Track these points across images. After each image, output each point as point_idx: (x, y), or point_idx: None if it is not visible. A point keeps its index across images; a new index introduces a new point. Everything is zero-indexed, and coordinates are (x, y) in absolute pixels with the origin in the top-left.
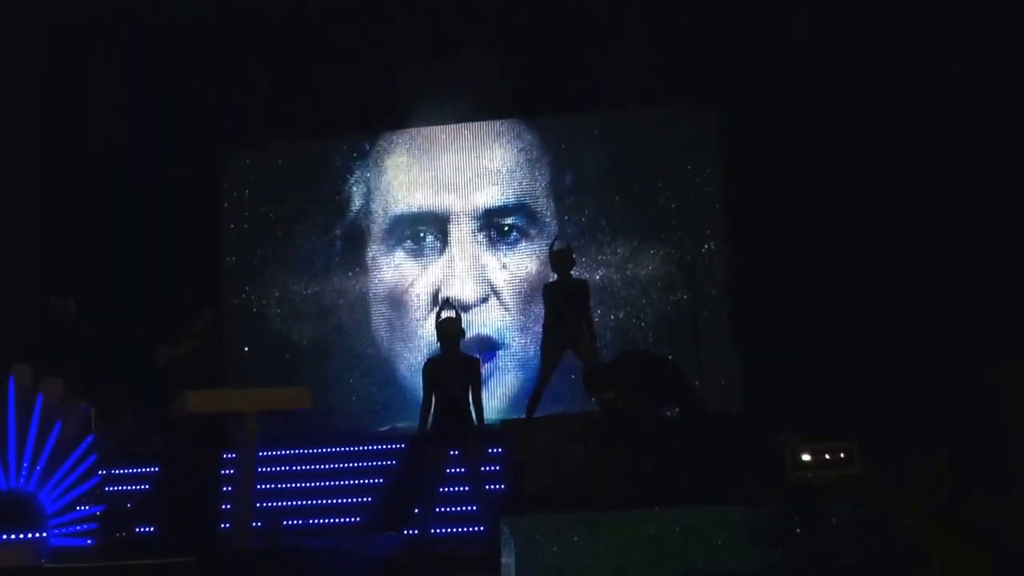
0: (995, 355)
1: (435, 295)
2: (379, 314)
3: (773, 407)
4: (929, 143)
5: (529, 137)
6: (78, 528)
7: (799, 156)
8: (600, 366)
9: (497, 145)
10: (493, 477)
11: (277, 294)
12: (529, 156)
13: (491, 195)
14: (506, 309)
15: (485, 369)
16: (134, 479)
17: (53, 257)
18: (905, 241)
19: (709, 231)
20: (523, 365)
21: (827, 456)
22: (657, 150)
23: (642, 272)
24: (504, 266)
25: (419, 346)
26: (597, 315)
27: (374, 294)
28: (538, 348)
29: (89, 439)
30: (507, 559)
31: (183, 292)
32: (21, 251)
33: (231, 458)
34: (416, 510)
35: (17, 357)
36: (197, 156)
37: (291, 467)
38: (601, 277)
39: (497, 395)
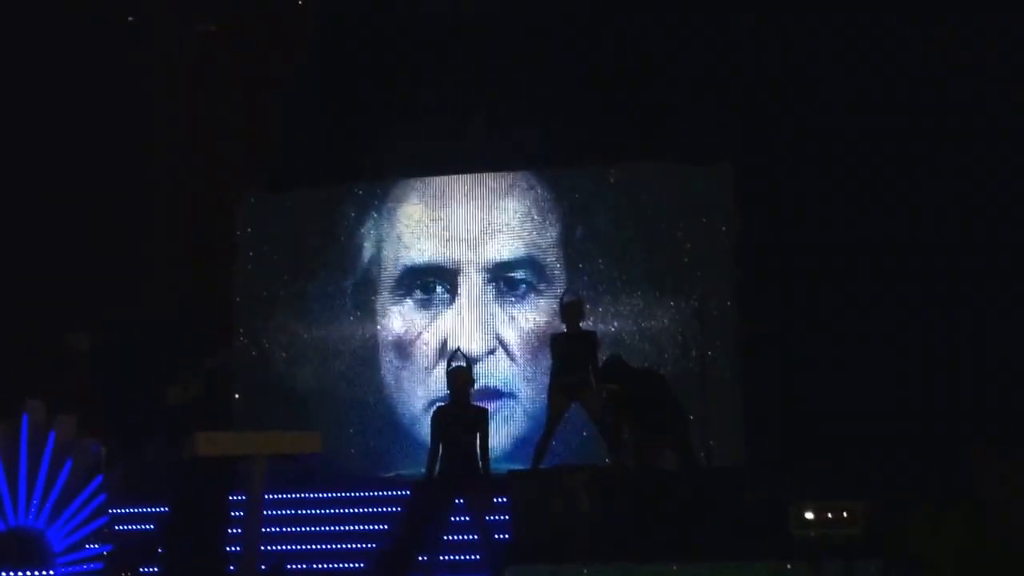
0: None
1: (443, 345)
2: (386, 362)
3: (779, 463)
4: (953, 204)
5: (540, 190)
6: (85, 567)
7: (813, 214)
8: (615, 359)
9: (509, 197)
10: (499, 526)
11: (282, 337)
12: (540, 208)
13: (501, 247)
14: (513, 360)
15: (492, 419)
16: (142, 518)
17: (68, 295)
18: (920, 303)
19: (720, 287)
20: (530, 416)
21: (830, 515)
22: (670, 204)
23: (652, 325)
24: (512, 318)
25: (425, 395)
26: None
27: (382, 342)
28: (544, 399)
29: (99, 478)
30: None
31: (195, 332)
32: (37, 288)
33: (238, 500)
34: (420, 558)
35: (31, 394)
36: (212, 196)
37: (296, 511)
38: (612, 329)
39: (504, 445)
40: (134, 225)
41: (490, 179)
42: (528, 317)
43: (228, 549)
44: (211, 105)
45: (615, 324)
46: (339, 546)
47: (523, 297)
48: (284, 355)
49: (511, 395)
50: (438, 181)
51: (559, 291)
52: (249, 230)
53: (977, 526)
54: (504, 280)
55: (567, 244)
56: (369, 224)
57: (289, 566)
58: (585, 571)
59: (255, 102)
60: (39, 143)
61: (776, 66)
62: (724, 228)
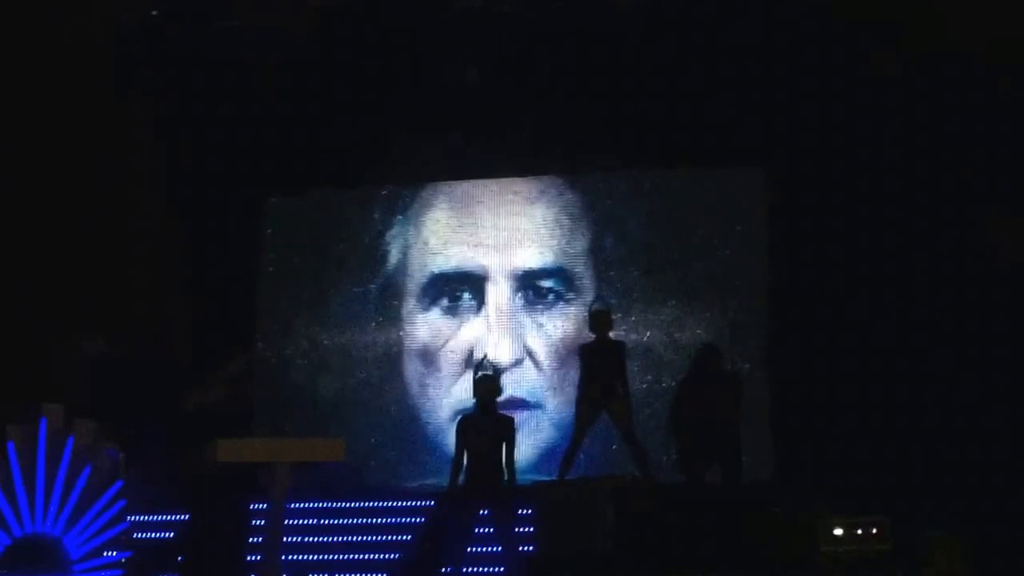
0: None
1: (469, 354)
2: (412, 370)
3: (808, 479)
4: (1005, 209)
5: (571, 196)
6: (103, 574)
7: (853, 222)
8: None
9: (538, 203)
10: (523, 539)
11: (304, 344)
12: (571, 215)
13: (530, 255)
14: (541, 370)
15: (519, 430)
16: (162, 526)
17: (87, 297)
18: (962, 316)
19: (754, 297)
20: (557, 426)
21: (859, 531)
22: (704, 211)
23: (684, 336)
24: (540, 327)
25: (450, 404)
26: (647, 380)
27: (407, 350)
28: (572, 408)
29: (118, 484)
30: None
31: (216, 335)
32: (56, 290)
33: (260, 509)
34: (444, 569)
35: (49, 399)
36: (237, 198)
37: (319, 520)
38: (644, 340)
39: (530, 456)
40: (155, 227)
41: (519, 184)
42: (556, 326)
43: (249, 558)
44: (236, 103)
45: (647, 334)
46: (361, 557)
47: (551, 306)
48: (305, 362)
49: (538, 405)
50: (466, 185)
51: (588, 300)
52: (271, 232)
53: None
54: (532, 288)
55: (597, 252)
56: (395, 229)
57: None
58: None
59: (280, 101)
60: (55, 145)
61: (812, 67)
62: (759, 236)
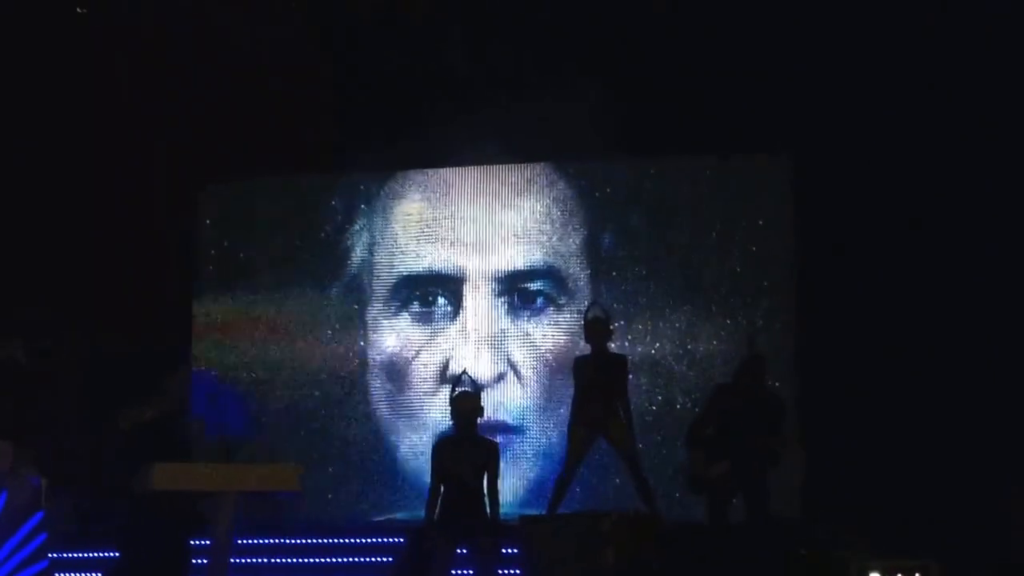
0: None
1: (444, 367)
2: (377, 386)
3: (839, 515)
4: None
5: (563, 185)
6: None
7: (889, 217)
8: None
9: (526, 194)
10: None
11: (250, 354)
12: (563, 207)
13: (515, 253)
14: (527, 387)
15: (503, 456)
16: (88, 565)
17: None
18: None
19: (777, 302)
20: (545, 453)
21: None
22: (720, 203)
23: (698, 348)
24: (527, 336)
25: (423, 425)
26: (656, 400)
27: (372, 362)
28: (564, 433)
29: (39, 515)
30: None
31: (152, 346)
32: None
33: (202, 545)
34: None
35: None
36: (172, 186)
37: (270, 559)
38: (652, 352)
39: (515, 487)
40: (76, 220)
41: (504, 172)
42: (545, 336)
43: None
44: (170, 77)
45: (656, 346)
46: None
47: (540, 312)
48: (252, 375)
49: (524, 428)
50: (442, 174)
51: (583, 306)
52: (211, 225)
53: None
54: (518, 292)
55: (594, 250)
56: (360, 222)
57: None
58: None
59: (214, 72)
60: None
61: (842, 41)
62: (785, 232)
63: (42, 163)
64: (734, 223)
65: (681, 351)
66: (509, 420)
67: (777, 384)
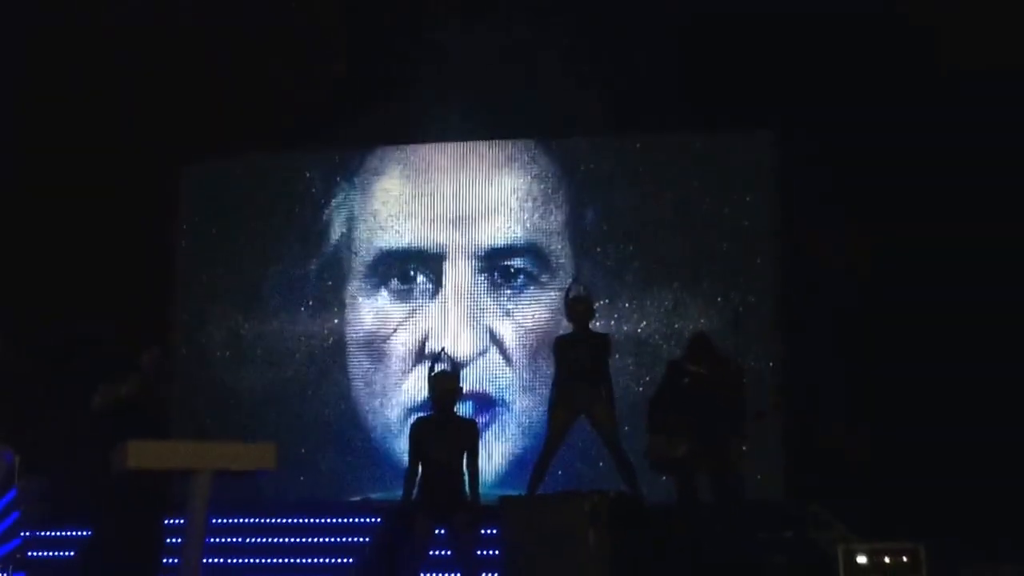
0: None
1: (423, 345)
2: (355, 364)
3: (824, 497)
4: None
5: (545, 161)
6: None
7: (873, 192)
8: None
9: (507, 170)
10: (487, 563)
11: (224, 332)
12: (544, 184)
13: (496, 230)
14: (508, 365)
15: (482, 435)
16: (61, 543)
17: None
18: (997, 296)
19: (760, 279)
20: (526, 432)
21: (887, 560)
22: (705, 179)
23: (685, 327)
24: (508, 314)
25: (401, 404)
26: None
27: (350, 340)
28: (544, 412)
29: (12, 493)
30: None
31: (129, 324)
32: None
33: (176, 524)
34: None
35: None
36: (150, 164)
37: (244, 539)
38: (637, 331)
39: (495, 466)
40: (51, 198)
41: (484, 148)
42: (527, 314)
43: None
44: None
45: (641, 324)
46: None
47: (521, 290)
48: (226, 354)
49: (504, 407)
50: (422, 149)
51: (565, 283)
52: (187, 202)
53: None
54: (499, 269)
55: (576, 227)
56: (339, 198)
57: None
58: None
59: (195, 49)
60: None
61: (826, 17)
62: (770, 208)
63: (16, 144)
64: (720, 200)
65: (667, 329)
66: (489, 399)
67: (752, 364)
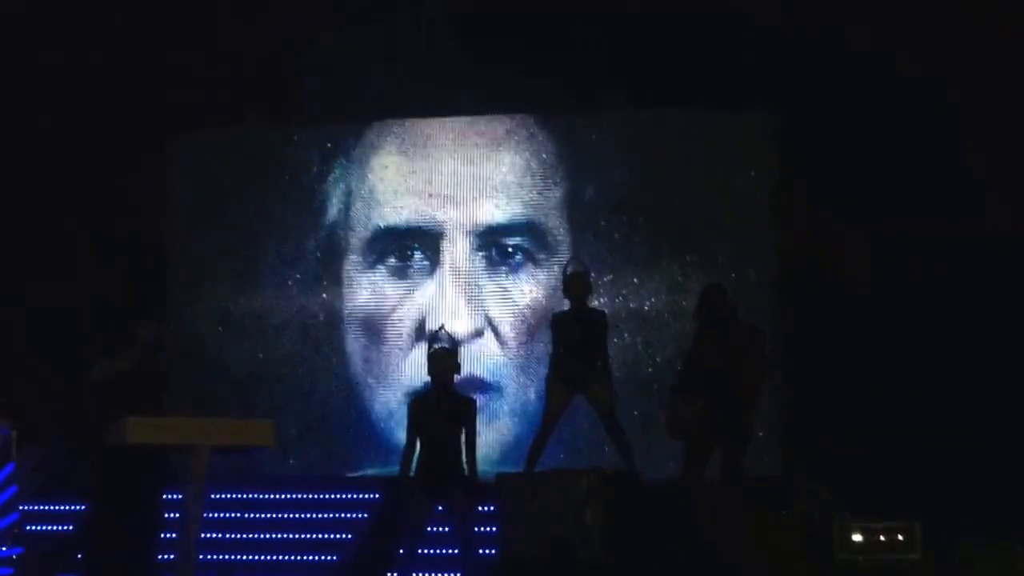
0: None
1: (421, 323)
2: (352, 340)
3: (821, 474)
4: None
5: (544, 137)
6: None
7: (875, 171)
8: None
9: (505, 147)
10: (484, 540)
11: (218, 309)
12: (543, 161)
13: (494, 207)
14: (505, 343)
15: (480, 412)
16: (59, 517)
17: None
18: (994, 292)
19: (759, 257)
20: (523, 410)
21: (882, 538)
22: (705, 157)
23: (687, 304)
24: (505, 292)
25: (398, 381)
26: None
27: (347, 317)
28: (542, 389)
29: (9, 468)
30: None
31: (124, 297)
32: None
33: (175, 499)
34: (389, 574)
35: None
36: (143, 136)
37: (243, 514)
38: (636, 308)
39: (492, 444)
40: (40, 171)
41: (483, 124)
42: (524, 292)
43: (160, 557)
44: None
45: (643, 301)
46: (294, 558)
47: (519, 268)
48: (220, 331)
49: (501, 385)
50: (420, 125)
51: (563, 261)
52: (182, 175)
53: None
54: (496, 247)
55: (575, 204)
56: (335, 174)
57: None
58: None
59: (196, 19)
60: None
61: None
62: (771, 185)
63: (7, 115)
64: (722, 176)
65: (669, 307)
66: (487, 377)
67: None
